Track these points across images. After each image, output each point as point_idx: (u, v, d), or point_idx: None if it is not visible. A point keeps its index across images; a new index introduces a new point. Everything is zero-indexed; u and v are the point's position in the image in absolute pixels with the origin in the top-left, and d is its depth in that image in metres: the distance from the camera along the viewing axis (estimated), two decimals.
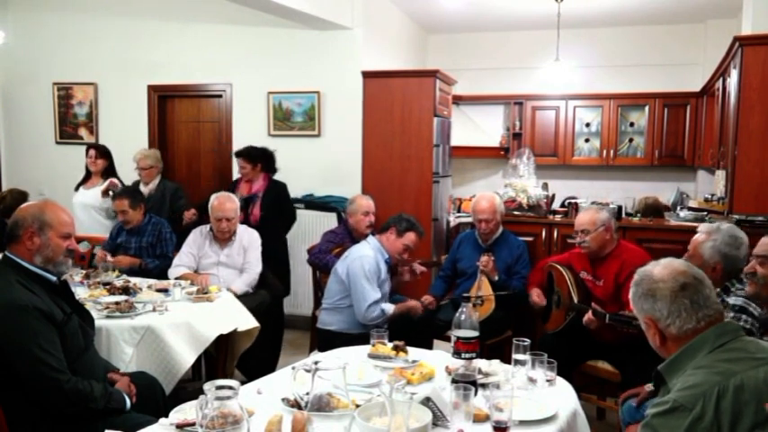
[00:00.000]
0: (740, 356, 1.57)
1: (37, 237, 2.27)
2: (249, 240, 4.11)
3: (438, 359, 2.53)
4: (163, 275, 3.95)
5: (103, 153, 5.16)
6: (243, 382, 2.04)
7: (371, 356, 2.53)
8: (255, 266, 4.06)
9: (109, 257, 3.99)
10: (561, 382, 2.35)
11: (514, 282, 3.90)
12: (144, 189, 4.99)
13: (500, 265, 3.90)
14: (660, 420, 1.52)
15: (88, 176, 5.23)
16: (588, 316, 3.19)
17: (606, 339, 3.26)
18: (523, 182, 5.32)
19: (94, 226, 4.93)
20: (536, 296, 3.74)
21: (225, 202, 4.00)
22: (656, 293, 1.68)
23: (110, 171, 5.20)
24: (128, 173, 5.60)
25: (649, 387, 2.59)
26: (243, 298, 3.72)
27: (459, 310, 2.47)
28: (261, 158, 4.80)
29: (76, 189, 5.24)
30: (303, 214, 5.40)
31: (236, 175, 5.56)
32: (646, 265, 1.78)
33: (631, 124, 6.48)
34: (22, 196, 4.70)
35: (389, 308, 3.50)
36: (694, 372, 1.57)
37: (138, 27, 5.91)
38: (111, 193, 4.84)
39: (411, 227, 3.63)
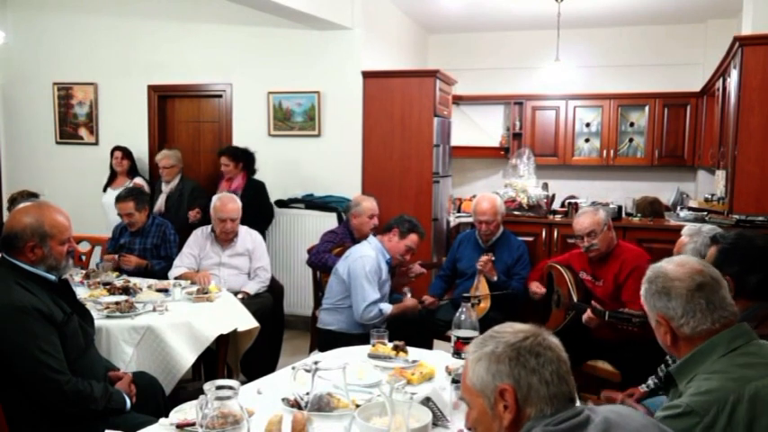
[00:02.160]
0: (755, 362, 1.53)
1: (39, 248, 2.25)
2: (254, 243, 4.13)
3: (438, 359, 2.53)
4: (166, 276, 3.95)
5: (127, 154, 5.54)
6: (243, 382, 2.05)
7: (371, 356, 2.52)
8: (268, 270, 4.15)
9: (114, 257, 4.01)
10: None
11: (514, 283, 3.90)
12: (165, 188, 5.28)
13: (500, 266, 3.90)
14: (670, 423, 1.46)
15: (113, 177, 5.53)
16: (588, 314, 3.20)
17: (606, 338, 3.27)
18: (523, 182, 5.34)
19: None
20: (535, 287, 3.74)
21: (228, 203, 4.01)
22: (672, 292, 1.63)
23: (134, 170, 5.55)
24: None
25: (644, 388, 2.59)
26: (245, 301, 3.73)
27: (459, 310, 2.47)
28: (243, 157, 5.04)
29: (104, 190, 5.40)
30: (303, 214, 5.41)
31: None
32: (659, 262, 1.72)
33: (631, 124, 6.48)
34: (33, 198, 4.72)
35: (388, 308, 3.49)
36: (709, 376, 1.52)
37: (138, 27, 5.91)
38: None
39: (413, 228, 3.64)
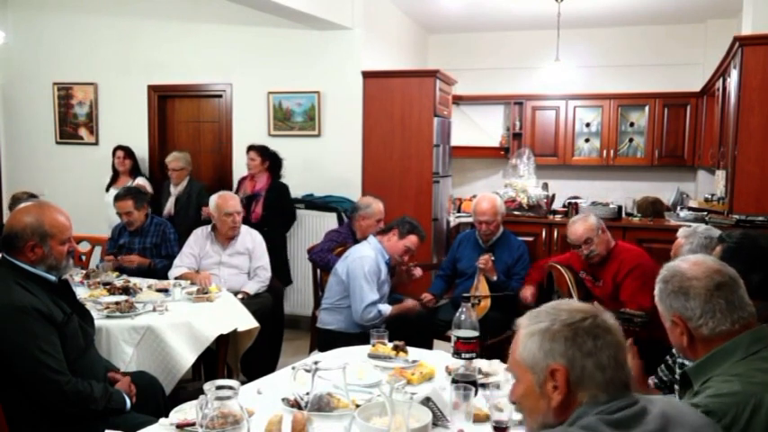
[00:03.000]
0: None
1: (39, 248, 2.25)
2: (254, 243, 4.13)
3: (438, 359, 2.53)
4: (166, 276, 3.95)
5: (130, 153, 5.55)
6: (243, 382, 2.05)
7: (371, 356, 2.52)
8: (267, 269, 4.15)
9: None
10: None
11: (513, 283, 3.90)
12: (173, 190, 5.29)
13: (500, 266, 3.90)
14: None
15: (116, 176, 5.54)
16: None
17: None
18: (523, 182, 5.35)
19: None
20: (528, 293, 3.73)
21: (229, 199, 4.06)
22: (690, 291, 1.58)
23: (136, 170, 5.56)
24: None
25: None
26: (245, 301, 3.73)
27: (459, 310, 2.47)
28: (270, 157, 5.07)
29: (107, 189, 5.42)
30: (303, 214, 5.41)
31: (236, 175, 5.62)
32: (672, 261, 1.69)
33: (631, 124, 6.48)
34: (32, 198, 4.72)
35: (387, 309, 3.49)
36: (729, 379, 1.49)
37: (138, 27, 5.91)
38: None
39: (413, 229, 3.63)
